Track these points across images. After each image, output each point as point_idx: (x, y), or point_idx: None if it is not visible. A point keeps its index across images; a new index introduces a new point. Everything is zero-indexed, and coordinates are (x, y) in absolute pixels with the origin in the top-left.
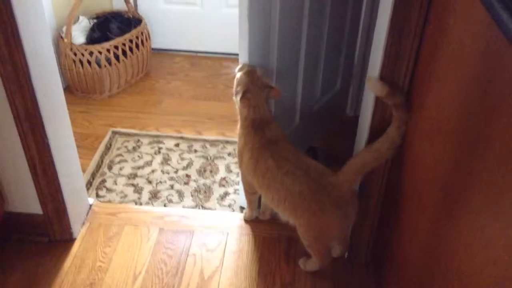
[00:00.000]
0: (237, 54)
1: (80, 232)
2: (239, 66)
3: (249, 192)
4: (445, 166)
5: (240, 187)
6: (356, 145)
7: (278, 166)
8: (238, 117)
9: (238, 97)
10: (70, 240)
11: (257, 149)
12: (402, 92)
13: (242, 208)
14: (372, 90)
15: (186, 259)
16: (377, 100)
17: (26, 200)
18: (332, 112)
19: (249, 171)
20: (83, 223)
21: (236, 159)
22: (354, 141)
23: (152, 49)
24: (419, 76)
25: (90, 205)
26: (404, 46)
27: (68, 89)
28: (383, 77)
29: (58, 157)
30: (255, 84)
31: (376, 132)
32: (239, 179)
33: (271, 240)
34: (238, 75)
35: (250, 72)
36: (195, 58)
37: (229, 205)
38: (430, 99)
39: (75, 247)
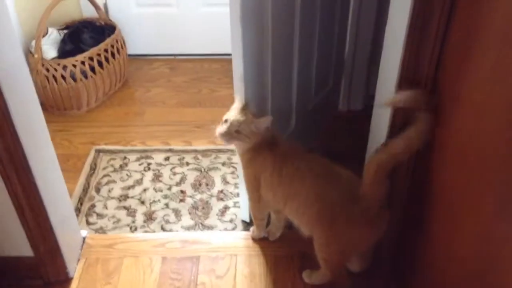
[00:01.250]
0: (219, 54)
1: (76, 270)
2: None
3: (259, 218)
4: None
5: (241, 199)
6: (370, 143)
7: (309, 167)
8: (240, 150)
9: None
10: (67, 280)
11: (279, 160)
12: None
13: (244, 223)
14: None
15: None
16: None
17: (15, 243)
18: (325, 110)
19: (272, 184)
20: (79, 260)
21: (231, 169)
22: (352, 136)
23: (128, 55)
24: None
25: (84, 238)
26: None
27: (43, 107)
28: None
29: (45, 191)
30: (246, 117)
31: (398, 128)
32: (237, 190)
33: (284, 259)
34: (222, 129)
35: (235, 121)
36: (174, 61)
37: (231, 220)
38: (465, 91)
39: None
